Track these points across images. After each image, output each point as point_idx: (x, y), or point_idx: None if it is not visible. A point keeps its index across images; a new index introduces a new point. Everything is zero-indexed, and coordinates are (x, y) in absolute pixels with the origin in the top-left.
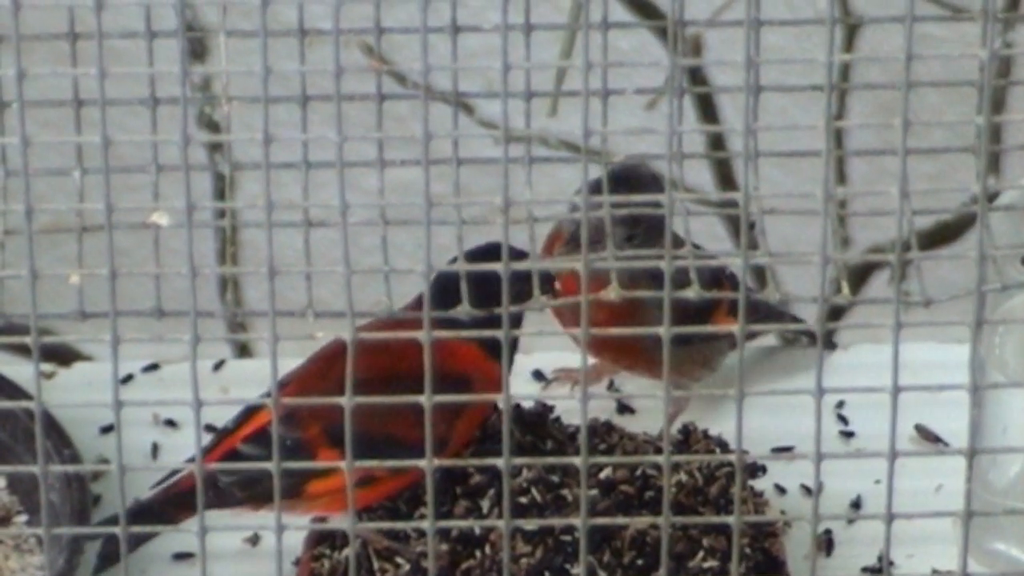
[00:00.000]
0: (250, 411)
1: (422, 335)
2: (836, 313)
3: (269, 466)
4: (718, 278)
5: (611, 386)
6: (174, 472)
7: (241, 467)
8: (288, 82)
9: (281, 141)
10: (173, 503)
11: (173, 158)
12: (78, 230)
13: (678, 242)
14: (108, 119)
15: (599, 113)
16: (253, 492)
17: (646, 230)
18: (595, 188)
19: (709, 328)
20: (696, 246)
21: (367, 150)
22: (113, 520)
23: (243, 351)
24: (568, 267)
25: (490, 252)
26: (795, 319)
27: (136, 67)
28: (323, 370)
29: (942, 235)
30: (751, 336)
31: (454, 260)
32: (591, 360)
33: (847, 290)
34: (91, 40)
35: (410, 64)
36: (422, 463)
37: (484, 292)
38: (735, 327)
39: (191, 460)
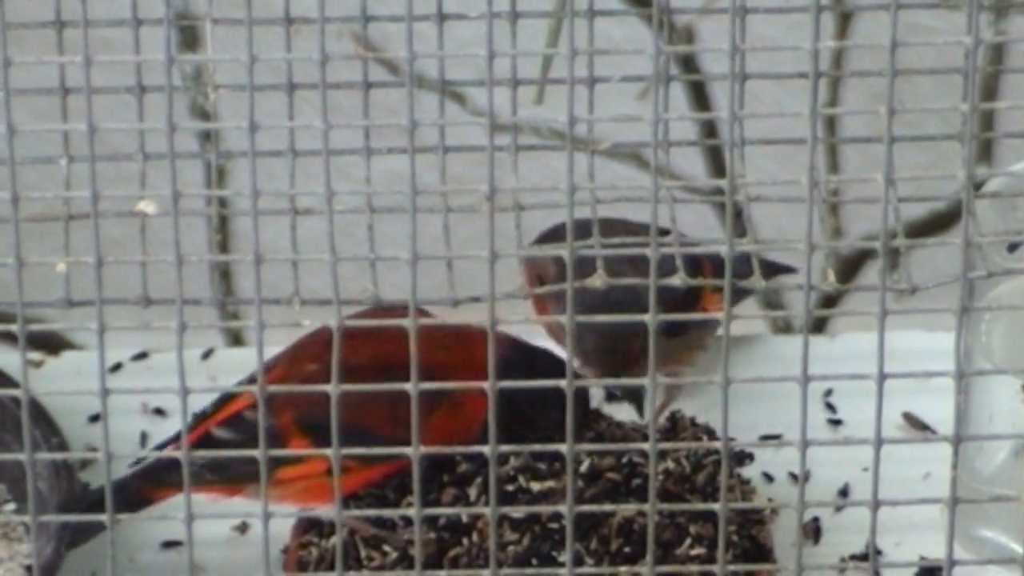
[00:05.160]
0: (229, 396)
1: (407, 323)
2: (828, 302)
3: (256, 453)
4: (698, 262)
5: None
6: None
7: (220, 454)
8: (278, 71)
9: (267, 129)
10: (147, 479)
11: (162, 146)
12: (65, 218)
13: (663, 231)
14: (97, 108)
15: (586, 101)
16: (223, 476)
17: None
18: (556, 232)
19: (696, 315)
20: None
21: (355, 138)
22: (94, 496)
23: (235, 340)
24: (553, 256)
25: None
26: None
27: (122, 55)
28: (305, 357)
29: (936, 224)
30: (743, 295)
31: None
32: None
33: (832, 277)
34: (77, 28)
35: (398, 52)
36: (408, 451)
37: None
38: (721, 314)
39: (171, 442)
